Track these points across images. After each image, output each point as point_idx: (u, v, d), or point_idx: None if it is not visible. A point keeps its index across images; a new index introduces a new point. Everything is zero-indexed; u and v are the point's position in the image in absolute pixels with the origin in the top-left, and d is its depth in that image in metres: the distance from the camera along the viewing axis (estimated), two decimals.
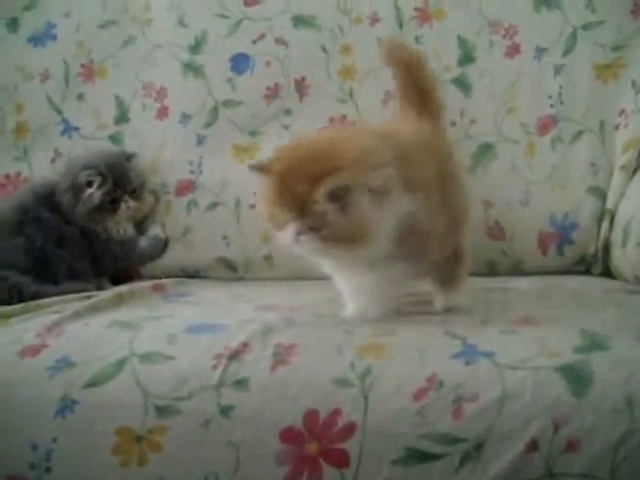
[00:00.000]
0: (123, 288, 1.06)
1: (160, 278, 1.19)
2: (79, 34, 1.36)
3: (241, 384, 0.73)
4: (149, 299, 1.03)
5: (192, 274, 1.25)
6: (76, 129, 1.33)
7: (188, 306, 0.98)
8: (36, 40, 1.37)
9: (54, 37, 1.37)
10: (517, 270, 1.22)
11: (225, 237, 1.24)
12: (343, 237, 0.79)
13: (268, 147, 1.25)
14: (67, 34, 1.37)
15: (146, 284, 1.11)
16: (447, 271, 0.92)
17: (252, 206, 1.22)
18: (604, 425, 0.68)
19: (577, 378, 0.70)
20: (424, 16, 1.29)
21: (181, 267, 1.25)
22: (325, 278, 1.19)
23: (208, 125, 1.29)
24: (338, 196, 0.77)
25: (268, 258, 1.23)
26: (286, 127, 1.27)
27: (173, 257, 1.26)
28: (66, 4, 1.38)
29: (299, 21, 1.29)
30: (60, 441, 0.75)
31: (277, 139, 1.25)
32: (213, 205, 1.26)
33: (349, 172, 0.77)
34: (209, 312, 0.91)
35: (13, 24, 1.39)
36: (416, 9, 1.29)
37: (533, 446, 0.68)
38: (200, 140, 1.29)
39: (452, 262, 0.92)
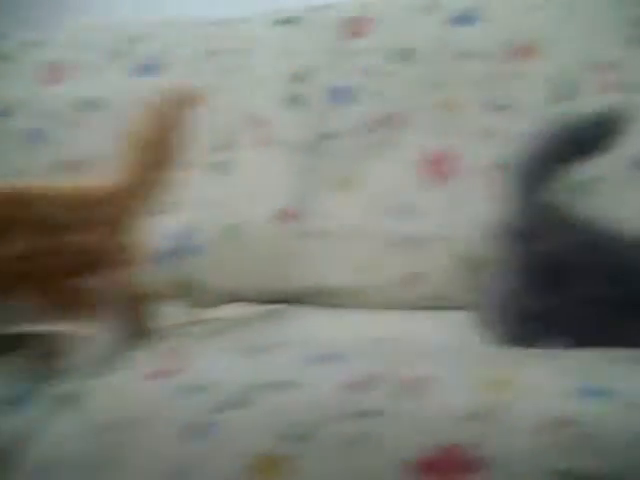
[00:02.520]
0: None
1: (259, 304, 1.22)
2: None
3: (370, 415, 0.75)
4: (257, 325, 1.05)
5: (292, 300, 1.27)
6: None
7: (300, 333, 1.00)
8: None
9: None
10: None
11: (326, 265, 1.27)
12: None
13: (370, 178, 1.28)
14: None
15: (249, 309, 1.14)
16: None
17: (352, 235, 1.26)
18: None
19: None
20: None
21: (282, 293, 1.28)
22: (421, 308, 1.22)
23: None
24: None
25: (366, 287, 1.25)
26: (388, 158, 1.29)
27: (274, 283, 1.28)
28: None
29: (401, 54, 1.32)
30: None
31: (380, 170, 1.28)
32: (316, 233, 1.28)
33: None
34: (327, 341, 0.93)
35: None
36: None
37: None
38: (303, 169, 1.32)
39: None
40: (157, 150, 0.90)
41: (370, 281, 1.26)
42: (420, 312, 1.21)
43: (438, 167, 1.27)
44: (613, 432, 0.71)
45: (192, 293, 1.29)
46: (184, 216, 1.30)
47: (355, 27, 1.36)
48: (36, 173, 1.39)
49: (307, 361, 0.83)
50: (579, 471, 0.70)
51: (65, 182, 0.92)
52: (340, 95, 1.33)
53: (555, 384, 0.77)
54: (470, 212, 1.23)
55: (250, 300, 1.26)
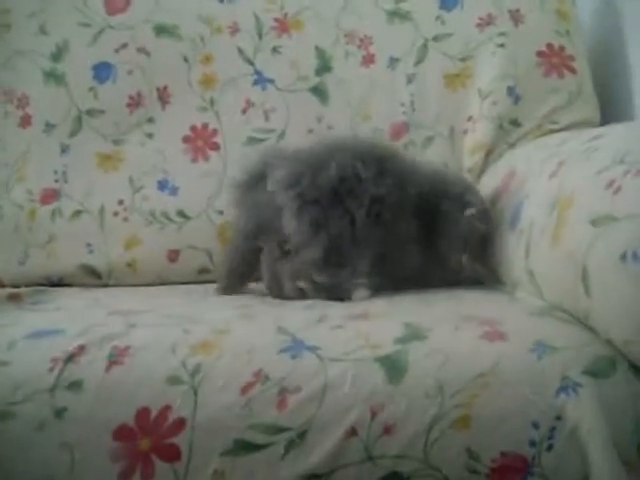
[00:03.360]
0: None
1: (21, 287, 1.20)
2: None
3: (75, 386, 0.75)
4: (1, 308, 1.03)
5: (56, 282, 1.25)
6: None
7: (38, 313, 0.99)
8: None
9: None
10: None
11: (89, 244, 1.25)
12: None
13: (131, 155, 1.28)
14: None
15: (1, 293, 1.11)
16: None
17: (115, 214, 1.25)
18: (417, 409, 0.74)
19: (393, 367, 0.76)
20: (283, 27, 1.33)
21: (45, 275, 1.25)
22: (187, 282, 1.24)
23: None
24: None
25: (131, 264, 1.25)
26: (149, 135, 1.29)
27: (37, 265, 1.25)
28: None
29: (161, 30, 1.32)
30: None
31: (140, 147, 1.28)
32: (77, 213, 1.27)
33: None
34: (57, 318, 0.92)
35: None
36: (275, 19, 1.34)
37: (352, 432, 0.73)
38: (64, 149, 1.29)
39: None
40: None
41: (136, 258, 1.25)
42: (185, 285, 1.22)
43: (200, 142, 1.28)
44: (306, 385, 0.75)
45: None
46: None
47: (116, 2, 1.34)
48: None
49: (23, 339, 0.82)
50: (279, 424, 0.74)
51: None
52: (101, 72, 1.30)
53: (260, 342, 0.80)
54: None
55: (13, 284, 1.23)
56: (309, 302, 1.00)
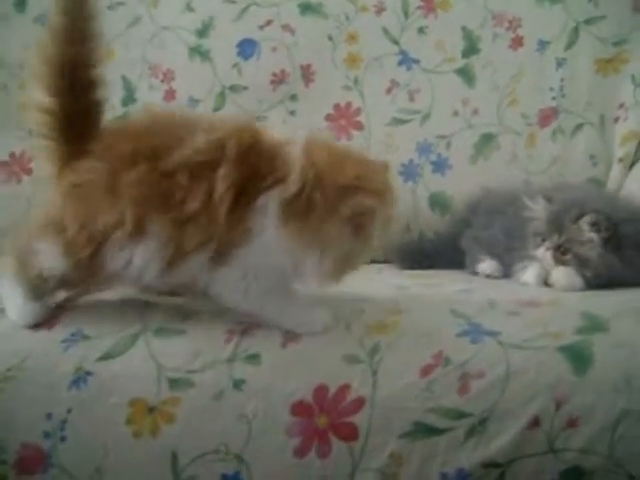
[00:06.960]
0: None
1: None
2: None
3: (253, 358, 0.76)
4: None
5: None
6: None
7: None
8: None
9: None
10: None
11: None
12: None
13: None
14: None
15: None
16: None
17: None
18: (603, 403, 0.71)
19: (578, 358, 0.73)
20: (429, 6, 1.31)
21: None
22: None
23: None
24: None
25: None
26: (292, 112, 1.29)
27: None
28: None
29: (306, 8, 1.31)
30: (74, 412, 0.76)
31: (283, 124, 1.28)
32: None
33: None
34: None
35: None
36: None
37: (535, 422, 0.71)
38: None
39: None
40: None
41: None
42: None
43: (343, 121, 1.27)
44: (490, 371, 0.73)
45: None
46: None
47: None
48: None
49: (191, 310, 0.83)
50: (460, 409, 0.72)
51: None
52: (245, 48, 1.31)
53: (436, 324, 0.78)
54: None
55: None
56: (466, 286, 0.98)
